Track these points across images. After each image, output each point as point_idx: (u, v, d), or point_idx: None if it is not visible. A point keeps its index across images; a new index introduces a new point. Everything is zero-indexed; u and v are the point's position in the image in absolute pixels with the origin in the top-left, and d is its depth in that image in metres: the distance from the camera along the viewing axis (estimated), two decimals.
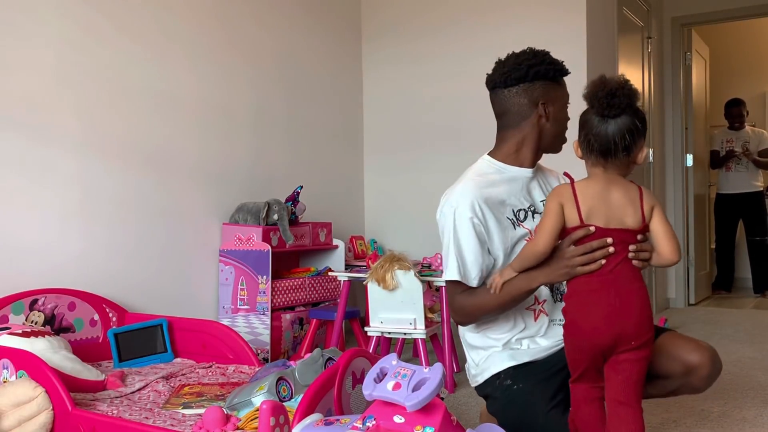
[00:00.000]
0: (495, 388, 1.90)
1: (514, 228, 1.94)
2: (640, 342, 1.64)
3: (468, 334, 2.00)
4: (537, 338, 1.94)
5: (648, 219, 1.68)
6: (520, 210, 1.96)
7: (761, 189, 5.95)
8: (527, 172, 1.99)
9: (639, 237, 1.67)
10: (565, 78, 1.98)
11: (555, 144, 1.99)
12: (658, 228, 1.68)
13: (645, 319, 1.65)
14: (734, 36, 6.69)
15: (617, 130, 1.65)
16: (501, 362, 1.89)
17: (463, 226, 1.86)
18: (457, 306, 1.90)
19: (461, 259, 1.87)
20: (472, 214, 1.86)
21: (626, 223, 1.67)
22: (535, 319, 1.95)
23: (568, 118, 1.99)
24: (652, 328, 1.68)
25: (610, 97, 1.64)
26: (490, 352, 1.93)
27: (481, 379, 1.94)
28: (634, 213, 1.67)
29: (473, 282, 1.87)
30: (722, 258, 6.10)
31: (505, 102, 1.96)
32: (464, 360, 3.40)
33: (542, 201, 1.98)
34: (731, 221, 6.00)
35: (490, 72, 2.01)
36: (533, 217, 1.96)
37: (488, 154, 2.03)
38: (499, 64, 1.98)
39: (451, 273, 1.88)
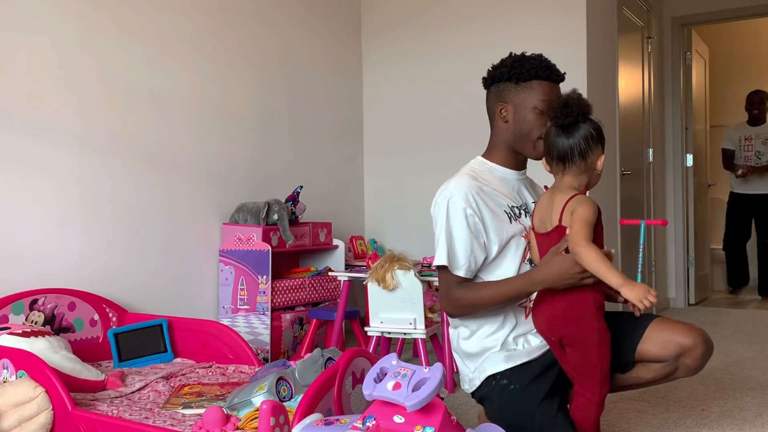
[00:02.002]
0: (491, 389, 1.90)
1: (510, 222, 1.96)
2: (556, 338, 1.83)
3: (462, 342, 1.99)
4: (530, 335, 1.95)
5: (568, 223, 1.80)
6: (514, 207, 2.00)
7: None
8: (515, 174, 2.06)
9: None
10: (551, 81, 1.98)
11: (523, 146, 2.01)
12: (570, 230, 1.79)
13: (553, 319, 1.82)
14: (734, 36, 6.69)
15: (573, 137, 1.82)
16: (497, 364, 1.90)
17: (456, 216, 1.90)
18: (452, 298, 1.91)
19: (451, 246, 1.90)
20: (466, 205, 1.89)
21: (546, 228, 1.85)
22: (526, 316, 1.96)
23: (536, 121, 1.97)
24: (571, 326, 1.79)
25: (564, 107, 1.81)
26: (486, 356, 1.93)
27: (478, 382, 1.94)
28: (553, 219, 1.84)
29: (460, 271, 1.90)
30: (734, 256, 5.97)
31: (486, 105, 2.10)
32: None
33: (533, 202, 2.04)
34: (744, 221, 5.83)
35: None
36: (527, 216, 2.01)
37: (481, 156, 2.11)
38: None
39: (439, 258, 1.91)
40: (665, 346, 1.86)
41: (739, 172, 5.65)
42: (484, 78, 2.09)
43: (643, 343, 1.88)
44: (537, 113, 1.96)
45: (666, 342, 1.86)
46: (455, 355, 2.05)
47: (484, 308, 1.90)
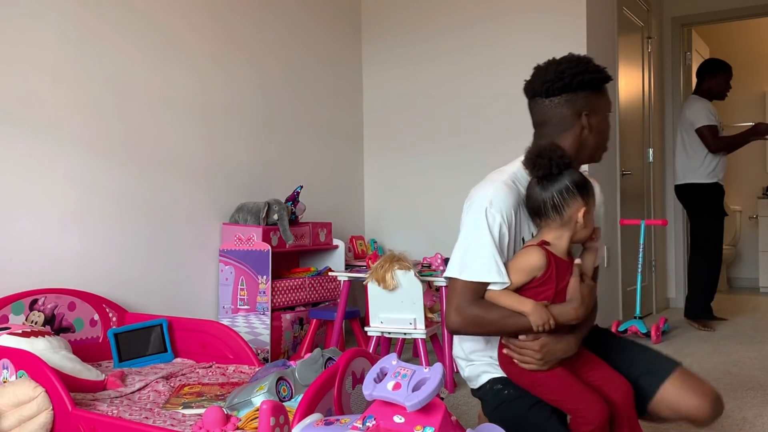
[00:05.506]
0: (486, 392, 1.88)
1: None
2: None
3: (465, 344, 1.92)
4: None
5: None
6: None
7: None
8: None
9: None
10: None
11: (595, 155, 1.89)
12: None
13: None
14: (734, 36, 6.69)
15: (547, 190, 1.71)
16: (492, 373, 1.87)
17: (495, 227, 1.73)
18: (469, 314, 1.73)
19: (497, 260, 1.71)
20: (503, 221, 1.73)
21: None
22: None
23: (609, 127, 1.91)
24: (505, 371, 1.81)
25: (536, 157, 1.70)
26: (485, 360, 1.90)
27: (474, 385, 1.93)
28: None
29: (482, 276, 1.73)
30: (715, 275, 4.60)
31: (546, 112, 1.85)
32: None
33: None
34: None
35: (528, 79, 1.90)
36: None
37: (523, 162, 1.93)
38: (539, 71, 1.88)
39: (488, 274, 1.72)
40: (676, 411, 1.78)
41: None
42: (548, 82, 1.83)
43: (657, 403, 1.79)
44: (608, 119, 1.88)
45: (677, 409, 1.78)
46: (455, 358, 2.03)
47: (497, 334, 1.79)
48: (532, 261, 1.70)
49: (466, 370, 1.95)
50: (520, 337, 1.71)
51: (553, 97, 1.83)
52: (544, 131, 1.87)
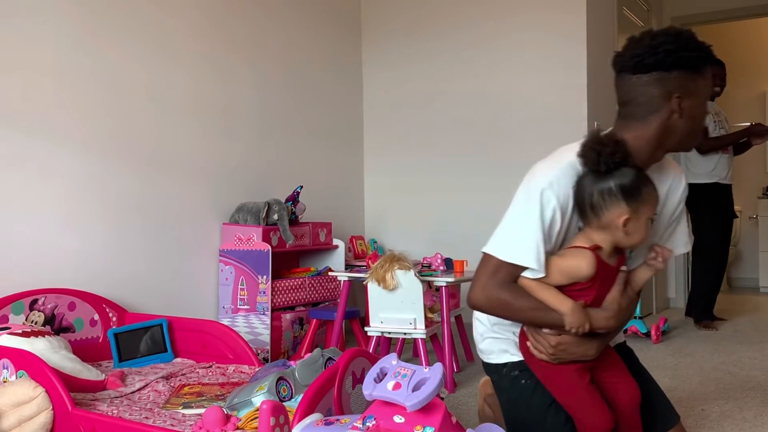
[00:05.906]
0: (501, 377, 1.82)
1: None
2: None
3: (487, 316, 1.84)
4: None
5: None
6: None
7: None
8: None
9: None
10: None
11: (686, 143, 1.71)
12: None
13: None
14: (734, 36, 6.69)
15: (591, 187, 1.57)
16: (513, 354, 1.79)
17: (547, 211, 1.60)
18: (494, 296, 1.64)
19: (539, 246, 1.60)
20: (557, 206, 1.60)
21: None
22: None
23: (707, 113, 1.74)
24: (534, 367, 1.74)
25: (586, 148, 1.57)
26: (504, 337, 1.82)
27: (487, 360, 1.85)
28: None
29: (526, 260, 1.63)
30: (719, 273, 4.62)
31: (632, 90, 1.65)
32: (464, 360, 3.39)
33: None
34: (730, 222, 4.65)
35: (620, 50, 1.70)
36: None
37: None
38: (632, 43, 1.67)
39: (525, 258, 1.61)
40: None
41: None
42: (638, 56, 1.63)
43: None
44: (706, 104, 1.70)
45: None
46: (475, 320, 1.89)
47: (520, 322, 1.74)
48: (580, 268, 1.60)
49: (484, 342, 1.85)
50: (544, 330, 1.66)
51: (642, 74, 1.62)
52: (627, 111, 1.68)
